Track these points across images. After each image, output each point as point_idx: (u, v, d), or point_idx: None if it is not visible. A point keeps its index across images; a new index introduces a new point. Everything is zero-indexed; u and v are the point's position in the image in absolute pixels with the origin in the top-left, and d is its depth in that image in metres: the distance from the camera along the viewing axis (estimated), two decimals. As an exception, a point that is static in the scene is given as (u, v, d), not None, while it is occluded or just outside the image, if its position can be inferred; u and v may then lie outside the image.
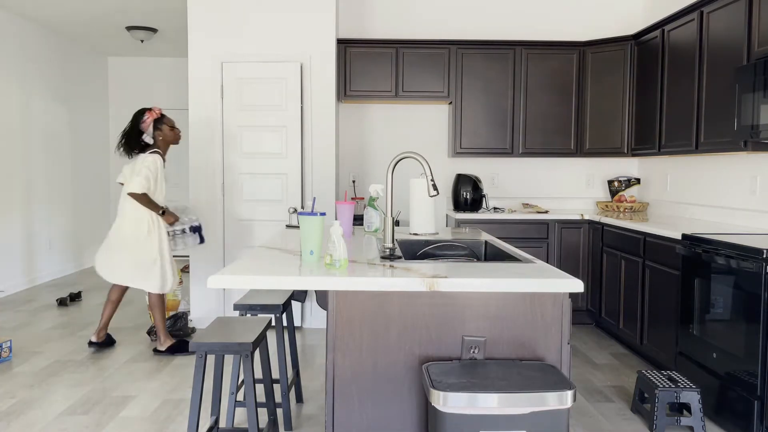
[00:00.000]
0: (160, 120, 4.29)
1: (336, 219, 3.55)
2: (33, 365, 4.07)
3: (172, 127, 4.35)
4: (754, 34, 3.44)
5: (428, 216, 3.24)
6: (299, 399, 3.47)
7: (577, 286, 1.91)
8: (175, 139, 4.35)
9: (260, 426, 3.14)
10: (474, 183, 5.27)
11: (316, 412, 3.35)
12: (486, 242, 3.02)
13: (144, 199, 4.13)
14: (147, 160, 4.16)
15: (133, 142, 4.25)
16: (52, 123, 7.21)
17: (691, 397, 3.02)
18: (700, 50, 4.01)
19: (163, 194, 4.27)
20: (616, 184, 5.51)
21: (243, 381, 2.68)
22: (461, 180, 5.30)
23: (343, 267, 2.08)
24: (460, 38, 5.56)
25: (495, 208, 5.39)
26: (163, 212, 4.24)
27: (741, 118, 3.38)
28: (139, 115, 4.28)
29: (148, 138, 4.29)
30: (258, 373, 3.86)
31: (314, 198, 2.81)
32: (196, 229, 4.41)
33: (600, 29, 5.60)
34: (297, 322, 5.09)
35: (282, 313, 2.99)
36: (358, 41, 5.24)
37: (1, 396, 3.53)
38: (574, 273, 5.09)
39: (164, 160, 4.29)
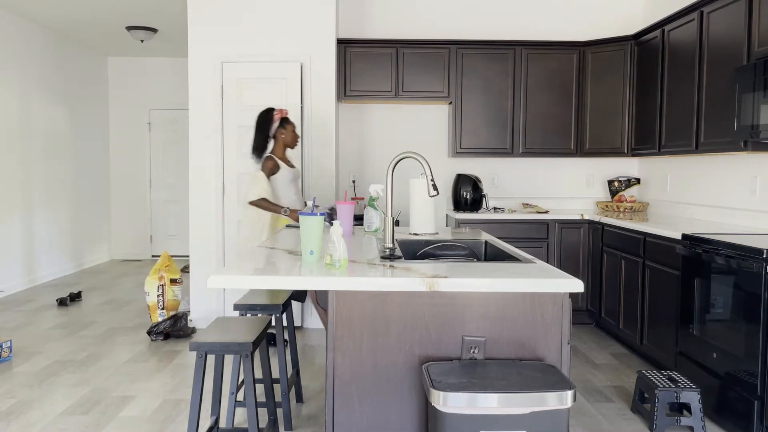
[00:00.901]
0: (287, 120, 4.31)
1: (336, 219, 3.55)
2: (33, 365, 4.07)
3: (294, 130, 4.35)
4: (754, 34, 3.44)
5: (428, 216, 3.24)
6: (299, 399, 3.47)
7: (577, 286, 1.91)
8: (294, 142, 4.35)
9: (260, 426, 3.14)
10: (474, 183, 5.27)
11: (316, 412, 3.35)
12: (486, 242, 3.02)
13: (265, 203, 4.14)
14: (255, 175, 4.22)
15: (265, 140, 4.27)
16: (52, 123, 7.21)
17: (691, 397, 3.02)
18: (700, 50, 4.01)
19: (290, 197, 4.28)
20: (616, 184, 5.51)
21: (243, 381, 2.68)
22: (461, 180, 5.30)
23: (343, 267, 2.08)
24: (460, 38, 5.56)
25: (495, 208, 5.39)
26: (287, 211, 4.21)
27: (741, 118, 3.38)
28: (267, 113, 4.28)
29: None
30: (258, 373, 3.86)
31: (314, 198, 2.80)
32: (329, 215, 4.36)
33: (600, 29, 5.60)
34: (297, 322, 5.09)
35: (282, 313, 2.99)
36: (358, 41, 5.24)
37: (1, 396, 3.53)
38: (574, 273, 5.08)
39: (283, 161, 4.29)
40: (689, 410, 3.06)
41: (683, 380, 3.13)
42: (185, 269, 7.19)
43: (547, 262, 5.02)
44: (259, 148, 4.29)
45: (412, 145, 5.67)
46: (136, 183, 8.75)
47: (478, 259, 3.01)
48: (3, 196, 6.27)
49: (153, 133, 8.75)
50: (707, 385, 3.23)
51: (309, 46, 4.98)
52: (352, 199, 5.50)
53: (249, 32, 4.96)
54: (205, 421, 3.20)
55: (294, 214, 4.25)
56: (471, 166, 5.67)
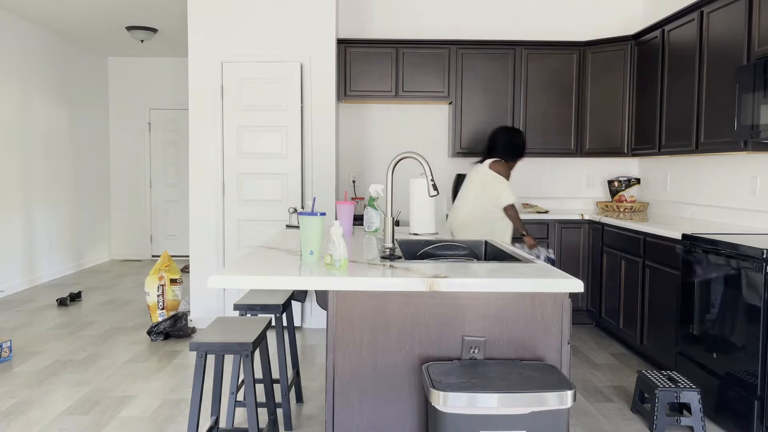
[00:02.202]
0: None
1: (336, 219, 3.55)
2: (33, 365, 4.07)
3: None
4: (754, 34, 3.44)
5: (428, 216, 3.24)
6: (299, 399, 3.47)
7: (577, 286, 1.91)
8: (508, 173, 4.11)
9: (260, 426, 3.14)
10: (474, 183, 5.26)
11: (316, 412, 3.35)
12: (486, 242, 3.02)
13: (514, 213, 3.97)
14: (501, 179, 3.97)
15: (506, 153, 4.07)
16: (52, 123, 7.21)
17: (691, 397, 3.02)
18: (700, 50, 4.01)
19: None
20: (616, 184, 5.51)
21: (243, 381, 2.68)
22: (461, 180, 5.30)
23: (343, 267, 2.08)
24: (460, 38, 5.56)
25: (495, 208, 5.39)
26: (526, 233, 4.04)
27: (741, 118, 3.38)
28: (518, 133, 4.11)
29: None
30: (258, 373, 3.86)
31: (314, 198, 2.80)
32: (552, 262, 4.24)
33: (600, 29, 5.60)
34: (297, 322, 5.09)
35: (282, 313, 2.99)
36: (358, 41, 5.24)
37: (1, 396, 3.53)
38: (574, 273, 5.09)
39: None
40: (689, 410, 3.07)
41: (683, 380, 3.13)
42: (185, 269, 7.19)
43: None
44: (496, 154, 4.05)
45: (412, 145, 5.67)
46: (136, 183, 8.75)
47: (478, 259, 3.01)
48: (3, 196, 6.27)
49: (153, 133, 8.75)
50: (707, 385, 3.23)
51: (309, 46, 4.98)
52: (352, 199, 5.51)
53: (249, 32, 4.96)
54: (205, 421, 3.20)
55: (529, 240, 4.03)
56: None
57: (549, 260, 4.11)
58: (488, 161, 4.05)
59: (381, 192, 3.25)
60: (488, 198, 3.96)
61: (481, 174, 4.03)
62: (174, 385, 3.72)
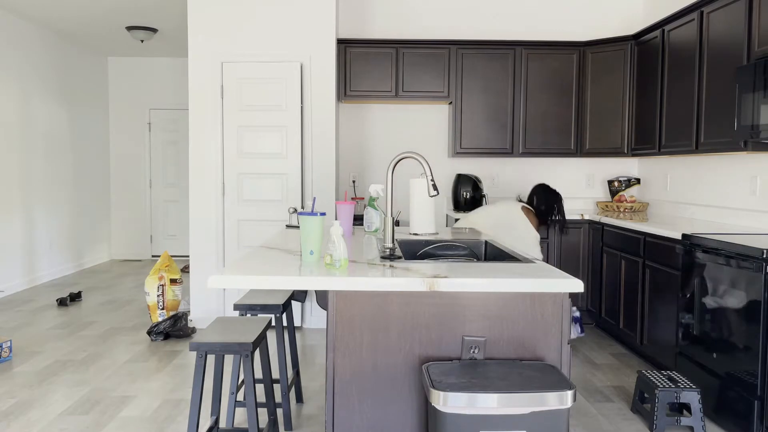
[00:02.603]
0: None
1: (336, 219, 3.55)
2: (33, 365, 4.07)
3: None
4: (754, 34, 3.44)
5: (428, 216, 3.24)
6: (299, 399, 3.47)
7: (577, 286, 1.91)
8: (537, 225, 3.99)
9: (260, 426, 3.14)
10: (474, 183, 5.27)
11: (316, 412, 3.35)
12: (486, 242, 3.02)
13: None
14: (535, 233, 3.79)
15: (543, 213, 3.91)
16: (52, 123, 7.21)
17: (691, 397, 3.02)
18: (700, 50, 4.01)
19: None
20: (616, 184, 5.51)
21: (243, 381, 2.68)
22: (461, 180, 5.30)
23: (343, 267, 2.08)
24: (460, 38, 5.56)
25: (495, 208, 5.39)
26: None
27: (741, 118, 3.38)
28: (552, 198, 3.92)
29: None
30: (258, 373, 3.86)
31: (314, 198, 2.80)
32: (576, 320, 4.22)
33: (600, 29, 5.60)
34: (297, 322, 5.09)
35: (282, 313, 2.99)
36: (358, 41, 5.24)
37: (1, 396, 3.53)
38: (574, 273, 5.08)
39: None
40: (689, 410, 3.07)
41: (683, 380, 3.13)
42: (185, 269, 7.20)
43: (547, 262, 5.02)
44: (539, 211, 3.92)
45: (412, 145, 5.67)
46: (136, 183, 8.75)
47: (478, 259, 3.01)
48: (3, 196, 6.26)
49: (153, 133, 8.75)
50: (707, 385, 3.23)
51: (309, 46, 4.98)
52: (352, 199, 5.51)
53: (249, 32, 4.96)
54: (205, 421, 3.20)
55: None
56: (471, 166, 5.67)
57: (574, 319, 4.11)
58: (522, 204, 3.93)
59: (381, 192, 3.24)
60: (508, 230, 3.84)
61: (513, 208, 3.88)
62: (174, 385, 3.72)
